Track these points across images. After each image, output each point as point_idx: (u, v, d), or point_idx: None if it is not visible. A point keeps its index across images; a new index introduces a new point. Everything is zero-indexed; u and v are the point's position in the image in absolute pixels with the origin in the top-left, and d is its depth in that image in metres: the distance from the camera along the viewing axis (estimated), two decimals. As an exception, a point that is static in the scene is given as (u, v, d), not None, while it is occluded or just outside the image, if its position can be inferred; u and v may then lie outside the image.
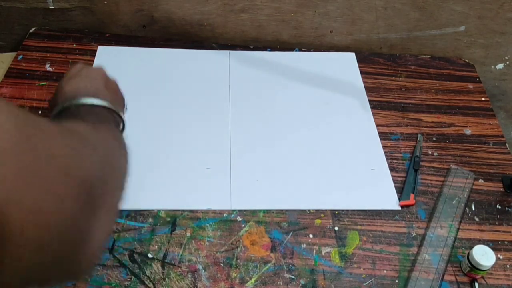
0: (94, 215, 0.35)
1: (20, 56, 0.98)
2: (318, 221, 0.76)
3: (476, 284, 0.71)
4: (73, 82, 0.56)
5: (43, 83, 0.93)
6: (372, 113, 0.94)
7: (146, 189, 0.78)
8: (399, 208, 0.79)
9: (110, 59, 0.99)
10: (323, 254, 0.73)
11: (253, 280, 0.69)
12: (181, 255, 0.71)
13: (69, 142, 0.36)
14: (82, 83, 0.56)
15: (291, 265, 0.71)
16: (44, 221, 0.30)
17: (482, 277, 0.72)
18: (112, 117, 0.55)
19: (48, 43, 1.01)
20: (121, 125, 0.57)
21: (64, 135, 0.37)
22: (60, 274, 0.35)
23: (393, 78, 1.02)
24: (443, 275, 0.71)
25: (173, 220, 0.75)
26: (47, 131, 0.34)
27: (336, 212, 0.78)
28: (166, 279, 0.68)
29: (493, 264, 0.69)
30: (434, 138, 0.91)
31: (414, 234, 0.76)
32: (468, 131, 0.93)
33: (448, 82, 1.03)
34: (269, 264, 0.71)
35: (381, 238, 0.75)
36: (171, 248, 0.71)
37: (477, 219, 0.79)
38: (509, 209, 0.81)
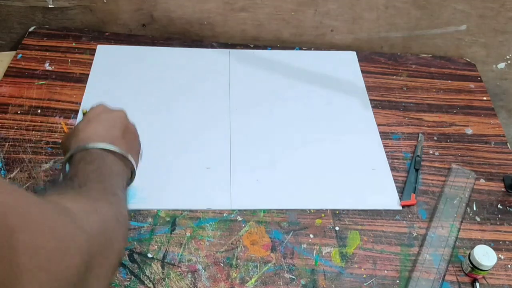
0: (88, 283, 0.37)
1: (20, 55, 0.97)
2: (318, 221, 0.76)
3: (477, 284, 0.70)
4: (90, 128, 0.56)
5: (43, 82, 0.93)
6: (373, 112, 0.93)
7: (146, 188, 0.77)
8: (400, 208, 0.79)
9: (110, 58, 0.99)
10: (323, 254, 0.72)
11: (253, 280, 0.69)
12: (181, 255, 0.70)
13: (62, 222, 0.38)
14: (99, 129, 0.56)
15: (291, 265, 0.71)
16: None
17: (483, 277, 0.71)
18: (122, 164, 0.56)
19: (47, 42, 1.01)
20: (132, 173, 0.58)
21: (58, 214, 0.39)
22: None
23: (394, 77, 1.02)
24: (444, 275, 0.71)
25: (173, 219, 0.74)
26: (44, 208, 0.36)
27: (337, 212, 0.77)
28: (166, 279, 0.68)
29: (494, 264, 0.69)
30: (435, 138, 0.90)
31: (415, 234, 0.76)
32: (469, 131, 0.92)
33: (449, 81, 1.02)
34: (269, 264, 0.71)
35: (382, 238, 0.75)
36: (171, 248, 0.71)
37: (478, 219, 0.79)
38: (511, 209, 0.81)
